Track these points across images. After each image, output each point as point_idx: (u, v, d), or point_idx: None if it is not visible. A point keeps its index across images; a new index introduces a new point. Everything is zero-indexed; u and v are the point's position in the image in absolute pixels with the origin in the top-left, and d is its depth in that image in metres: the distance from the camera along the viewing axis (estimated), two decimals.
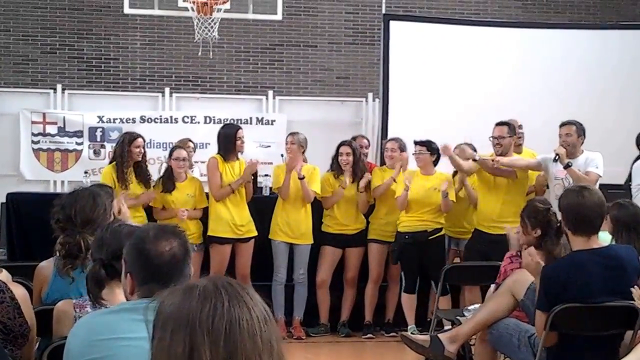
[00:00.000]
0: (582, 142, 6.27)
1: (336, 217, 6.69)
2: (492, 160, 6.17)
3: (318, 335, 6.62)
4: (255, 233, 6.52)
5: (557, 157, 6.02)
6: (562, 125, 6.22)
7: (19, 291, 2.94)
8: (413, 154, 6.53)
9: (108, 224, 2.89)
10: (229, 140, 6.50)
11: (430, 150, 6.44)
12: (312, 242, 6.65)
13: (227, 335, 1.34)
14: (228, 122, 8.87)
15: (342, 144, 6.78)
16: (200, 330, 1.34)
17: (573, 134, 6.14)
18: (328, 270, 6.66)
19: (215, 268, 6.33)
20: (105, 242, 2.74)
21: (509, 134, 6.27)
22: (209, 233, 6.43)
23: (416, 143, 6.49)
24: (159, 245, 2.27)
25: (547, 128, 7.27)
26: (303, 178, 6.50)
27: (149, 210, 6.41)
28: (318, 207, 6.73)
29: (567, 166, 6.01)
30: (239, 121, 8.96)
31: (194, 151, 7.51)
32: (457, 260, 6.64)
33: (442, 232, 6.46)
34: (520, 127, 6.72)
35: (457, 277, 5.73)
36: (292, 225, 6.56)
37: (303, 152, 6.72)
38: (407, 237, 6.35)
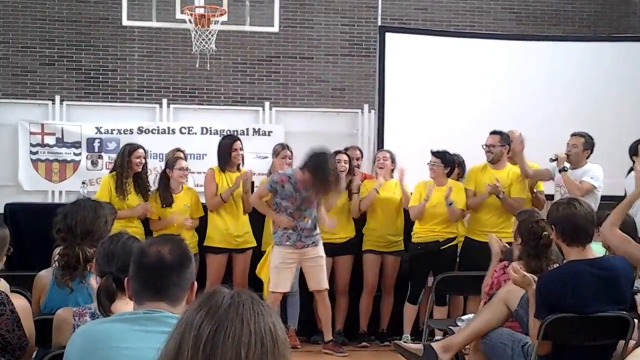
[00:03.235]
0: (588, 156, 6.34)
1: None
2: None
3: (313, 344, 6.64)
4: (253, 244, 6.53)
5: (554, 158, 6.15)
6: (572, 135, 6.37)
7: (20, 303, 2.94)
8: (428, 164, 6.54)
9: (115, 236, 2.84)
10: (225, 151, 6.53)
11: (445, 162, 6.48)
12: None
13: (207, 341, 1.34)
14: (225, 133, 8.89)
15: (339, 152, 6.81)
16: (189, 330, 1.37)
17: (579, 146, 6.28)
18: None
19: (211, 277, 6.35)
20: (115, 255, 2.72)
21: (500, 143, 6.42)
22: (205, 242, 6.46)
23: (433, 153, 6.52)
24: (150, 247, 2.26)
25: (539, 140, 7.32)
26: None
27: (145, 222, 6.44)
28: None
29: (562, 170, 6.13)
30: (236, 132, 8.98)
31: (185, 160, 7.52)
32: None
33: (455, 242, 6.48)
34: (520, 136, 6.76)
35: (450, 287, 5.75)
36: None
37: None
38: (419, 247, 6.42)
